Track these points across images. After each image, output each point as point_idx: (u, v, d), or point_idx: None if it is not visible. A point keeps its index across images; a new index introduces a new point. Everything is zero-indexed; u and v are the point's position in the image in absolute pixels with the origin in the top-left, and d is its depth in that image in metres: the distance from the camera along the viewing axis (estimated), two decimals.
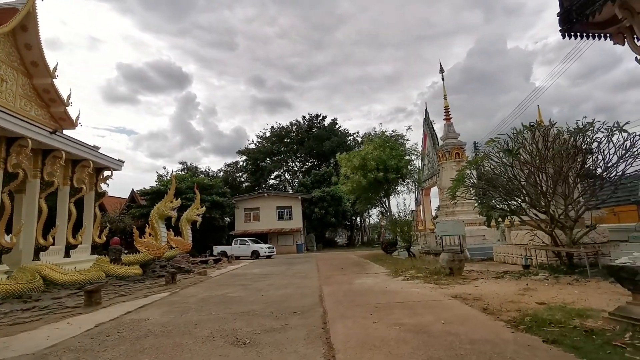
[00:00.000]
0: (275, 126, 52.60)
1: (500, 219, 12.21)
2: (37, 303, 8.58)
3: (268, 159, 51.67)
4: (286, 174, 54.46)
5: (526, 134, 10.66)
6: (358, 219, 47.23)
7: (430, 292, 7.72)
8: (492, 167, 11.52)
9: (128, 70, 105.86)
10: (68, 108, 19.44)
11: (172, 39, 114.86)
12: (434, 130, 22.61)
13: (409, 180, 26.65)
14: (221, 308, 6.83)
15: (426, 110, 23.31)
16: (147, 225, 14.70)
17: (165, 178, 36.91)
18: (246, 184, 51.02)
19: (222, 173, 50.74)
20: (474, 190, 12.75)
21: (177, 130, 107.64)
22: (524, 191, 10.60)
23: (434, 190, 23.00)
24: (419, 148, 25.18)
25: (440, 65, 21.59)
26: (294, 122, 53.00)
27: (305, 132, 51.82)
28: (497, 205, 11.67)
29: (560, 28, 5.70)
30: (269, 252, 28.21)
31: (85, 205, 19.63)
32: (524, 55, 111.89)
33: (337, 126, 52.17)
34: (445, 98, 20.88)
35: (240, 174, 52.10)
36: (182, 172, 40.29)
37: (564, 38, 5.70)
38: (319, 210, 37.53)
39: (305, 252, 35.02)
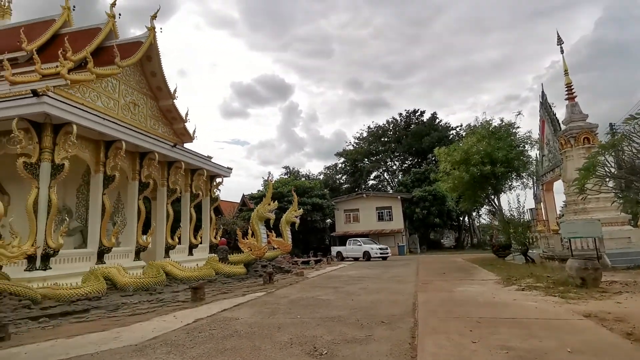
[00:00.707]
0: (371, 126, 52.11)
1: None
2: (159, 295, 9.77)
3: (366, 160, 51.38)
4: (385, 174, 53.43)
5: None
6: (466, 219, 43.57)
7: (553, 308, 6.36)
8: (635, 151, 9.13)
9: (239, 87, 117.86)
10: (186, 124, 22.18)
11: (275, 54, 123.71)
12: (554, 115, 19.31)
13: (524, 174, 23.34)
14: (307, 312, 6.71)
15: (542, 92, 20.09)
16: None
17: (272, 182, 39.48)
18: (345, 185, 51.56)
19: (322, 176, 52.26)
20: (612, 182, 10.33)
21: (283, 138, 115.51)
22: None
23: (558, 185, 19.66)
24: (535, 136, 21.87)
25: (558, 36, 18.32)
26: (390, 120, 51.78)
27: (403, 129, 50.05)
28: None
29: None
30: (380, 253, 25.91)
31: (203, 210, 22.09)
32: None
33: (437, 121, 49.14)
34: (566, 73, 17.62)
35: (339, 175, 52.95)
36: (285, 177, 42.72)
37: None
38: (420, 211, 35.67)
39: (408, 254, 33.61)
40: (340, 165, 52.36)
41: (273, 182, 38.39)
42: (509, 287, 8.99)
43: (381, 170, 52.40)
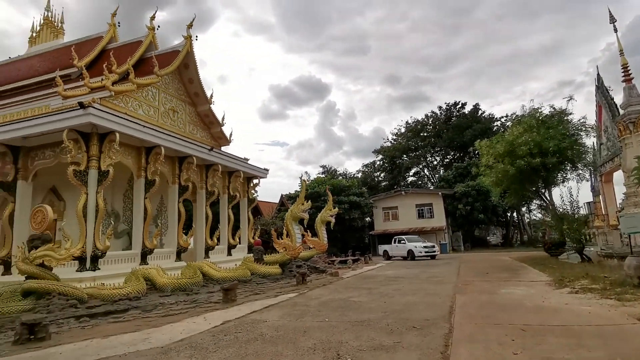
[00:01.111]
0: (410, 121, 50.71)
1: None
2: (195, 296, 10.00)
3: (405, 156, 50.11)
4: (425, 170, 51.84)
5: None
6: (515, 214, 41.13)
7: (608, 312, 5.68)
8: None
9: (277, 90, 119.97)
10: (223, 128, 22.75)
11: (311, 54, 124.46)
12: (612, 99, 17.56)
13: (579, 165, 21.42)
14: (337, 314, 6.50)
15: (598, 75, 18.33)
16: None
17: (306, 182, 39.59)
18: (384, 182, 50.63)
19: (360, 174, 51.69)
20: None
21: (321, 137, 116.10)
22: None
23: (618, 176, 17.87)
24: (591, 122, 20.01)
25: (610, 14, 16.57)
26: (430, 114, 50.04)
27: (443, 123, 48.23)
28: None
29: None
30: (426, 252, 23.38)
31: (241, 211, 22.56)
32: None
33: (479, 112, 46.81)
34: (621, 54, 15.93)
35: (377, 173, 52.09)
36: (322, 176, 42.68)
37: None
38: (463, 207, 34.13)
39: (451, 252, 32.30)
40: (378, 162, 51.49)
41: (310, 181, 38.59)
42: (561, 290, 8.21)
43: (421, 166, 50.90)
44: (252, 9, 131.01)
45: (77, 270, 11.56)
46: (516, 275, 11.39)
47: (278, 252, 14.92)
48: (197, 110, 21.05)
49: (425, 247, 23.98)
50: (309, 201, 15.96)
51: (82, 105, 11.71)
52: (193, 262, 13.25)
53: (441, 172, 48.24)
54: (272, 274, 13.08)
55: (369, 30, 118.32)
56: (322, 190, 33.20)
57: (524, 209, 39.29)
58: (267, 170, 24.17)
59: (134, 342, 5.10)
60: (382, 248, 27.32)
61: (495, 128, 42.55)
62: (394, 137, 51.15)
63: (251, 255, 15.15)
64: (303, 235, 18.23)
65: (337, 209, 19.04)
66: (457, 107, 48.36)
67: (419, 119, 50.28)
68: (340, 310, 6.89)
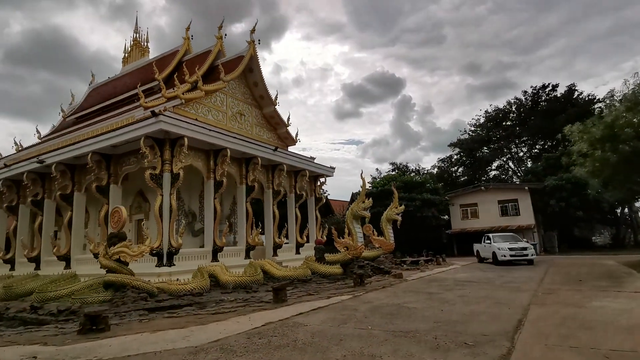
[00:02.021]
0: (489, 110, 46.37)
1: None
2: (254, 294, 10.21)
3: (485, 148, 46.10)
4: (510, 163, 47.05)
5: None
6: (626, 211, 35.17)
7: None
8: None
9: (350, 89, 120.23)
10: (289, 128, 23.20)
11: (384, 50, 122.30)
12: None
13: None
14: (383, 322, 5.97)
15: None
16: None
17: (377, 180, 38.69)
18: (463, 178, 47.18)
19: (435, 169, 48.97)
20: None
21: (397, 134, 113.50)
22: None
23: None
24: None
25: None
26: (512, 100, 45.10)
27: (530, 109, 43.17)
28: None
29: None
30: (513, 256, 18.39)
31: (308, 209, 22.79)
32: None
33: (575, 94, 40.93)
34: None
35: (455, 168, 48.76)
36: (393, 173, 41.28)
37: None
38: (555, 202, 30.11)
39: (542, 254, 28.78)
40: (455, 157, 48.04)
41: (379, 179, 37.61)
42: None
43: (504, 158, 46.32)
44: (323, 11, 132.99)
45: (155, 266, 12.67)
46: (617, 284, 9.50)
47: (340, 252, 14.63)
48: (263, 112, 21.77)
49: (512, 248, 18.58)
50: (370, 198, 15.38)
51: (154, 114, 12.77)
52: (255, 261, 13.61)
53: (529, 164, 43.36)
54: (333, 273, 12.84)
55: (445, 18, 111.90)
56: (390, 187, 32.13)
57: (638, 204, 33.33)
58: (334, 168, 24.07)
59: (175, 339, 5.24)
60: (476, 247, 23.88)
61: (596, 110, 36.78)
62: (472, 129, 47.32)
63: (311, 255, 15.12)
64: (368, 235, 17.71)
65: (403, 206, 18.13)
66: (547, 89, 42.89)
67: (501, 106, 45.71)
68: (389, 317, 6.34)
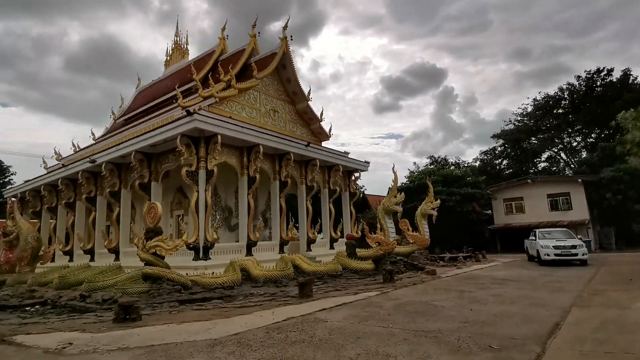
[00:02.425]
0: (538, 98, 43.38)
1: None
2: (284, 288, 10.34)
3: (533, 138, 43.32)
4: (562, 153, 43.90)
5: None
6: None
7: None
8: None
9: (389, 82, 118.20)
10: (322, 123, 23.17)
11: (424, 40, 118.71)
12: None
13: None
14: (405, 320, 5.78)
15: None
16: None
17: (414, 174, 37.70)
18: (508, 171, 44.75)
19: (477, 162, 46.84)
20: None
21: (438, 126, 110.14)
22: None
23: None
24: None
25: None
26: (564, 86, 41.86)
27: (583, 95, 39.91)
28: None
29: None
30: (558, 255, 15.50)
31: (343, 204, 22.69)
32: None
33: (630, 79, 37.25)
34: None
35: (498, 160, 46.33)
36: (431, 166, 39.98)
37: None
38: (612, 196, 27.69)
39: (598, 252, 26.67)
40: (499, 148, 45.60)
41: (417, 173, 36.60)
42: None
43: (555, 149, 43.27)
44: (361, 4, 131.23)
45: (192, 259, 13.22)
46: None
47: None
48: (296, 108, 21.89)
49: (558, 246, 15.64)
50: (402, 193, 14.98)
51: (188, 113, 13.24)
52: (286, 255, 13.76)
53: (583, 155, 40.23)
54: (364, 269, 12.70)
55: (490, 3, 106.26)
56: (431, 181, 31.15)
57: None
58: (368, 163, 23.74)
59: (198, 331, 5.42)
60: (525, 244, 21.64)
61: None
62: (519, 118, 44.59)
63: (342, 251, 15.02)
64: (402, 230, 17.30)
65: (439, 201, 17.49)
66: (601, 75, 39.40)
67: (551, 93, 42.60)
68: (413, 315, 6.13)
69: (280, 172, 17.38)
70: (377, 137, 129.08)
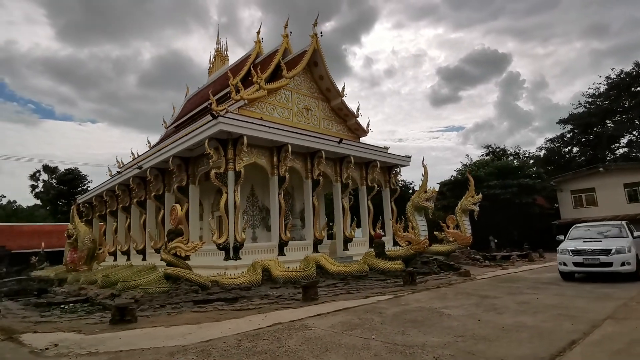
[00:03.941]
0: (612, 75, 38.13)
1: None
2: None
3: (608, 121, 38.27)
4: None
5: None
6: None
7: None
8: None
9: (446, 73, 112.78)
10: (358, 119, 22.56)
11: (483, 26, 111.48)
12: None
13: None
14: (394, 331, 5.20)
15: None
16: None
17: (466, 166, 35.23)
18: (580, 159, 40.04)
19: (542, 152, 42.55)
20: None
21: (503, 115, 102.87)
22: None
23: None
24: None
25: None
26: None
27: None
28: None
29: None
30: (575, 265, 9.16)
31: (383, 201, 21.88)
32: None
33: None
34: None
35: (568, 148, 41.63)
36: (486, 157, 37.06)
37: None
38: None
39: None
40: (567, 135, 40.85)
41: (470, 165, 34.16)
42: None
43: (636, 132, 37.76)
44: None
45: (223, 259, 13.54)
46: None
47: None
48: (330, 105, 21.55)
49: (580, 251, 9.51)
50: (434, 187, 13.96)
51: (213, 116, 13.58)
52: (310, 255, 13.52)
53: None
54: (392, 269, 12.02)
55: None
56: (483, 174, 28.92)
57: None
58: (409, 157, 22.64)
59: (175, 336, 5.39)
60: None
61: None
62: (589, 100, 39.59)
63: (371, 250, 14.39)
64: (441, 227, 16.17)
65: (480, 195, 16.03)
66: None
67: (627, 69, 37.17)
68: (407, 325, 5.51)
69: (313, 171, 17.19)
70: (436, 130, 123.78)
